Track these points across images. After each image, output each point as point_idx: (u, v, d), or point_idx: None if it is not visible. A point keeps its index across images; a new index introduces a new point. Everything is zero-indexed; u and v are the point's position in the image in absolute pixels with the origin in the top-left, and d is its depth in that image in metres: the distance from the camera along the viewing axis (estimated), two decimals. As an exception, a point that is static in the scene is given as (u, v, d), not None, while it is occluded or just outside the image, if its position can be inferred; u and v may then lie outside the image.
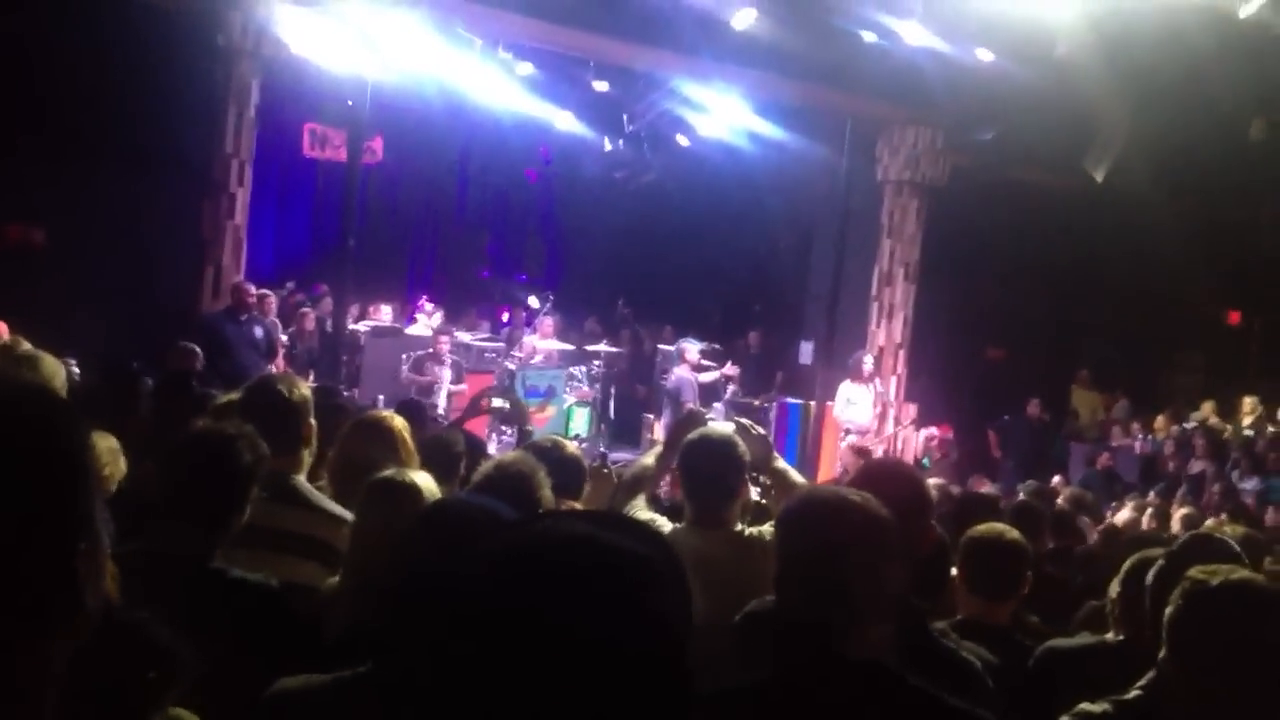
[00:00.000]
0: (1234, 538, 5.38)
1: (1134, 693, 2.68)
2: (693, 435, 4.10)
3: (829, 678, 2.21)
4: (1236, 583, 2.33)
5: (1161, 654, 2.39)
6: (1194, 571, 2.41)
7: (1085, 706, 2.75)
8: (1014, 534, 4.17)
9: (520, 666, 1.20)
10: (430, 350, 13.31)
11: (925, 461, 14.41)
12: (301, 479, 3.66)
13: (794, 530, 2.35)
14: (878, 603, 2.26)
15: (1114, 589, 3.89)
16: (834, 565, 2.26)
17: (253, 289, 11.59)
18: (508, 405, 10.43)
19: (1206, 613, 2.32)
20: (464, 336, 15.02)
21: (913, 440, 14.71)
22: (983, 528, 4.17)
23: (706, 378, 13.99)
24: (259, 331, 11.38)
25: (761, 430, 4.58)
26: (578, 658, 1.20)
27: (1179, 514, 9.31)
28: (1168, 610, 2.38)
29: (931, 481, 7.75)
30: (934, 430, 14.59)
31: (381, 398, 12.81)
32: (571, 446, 4.29)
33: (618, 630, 1.22)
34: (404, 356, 13.40)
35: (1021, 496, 9.17)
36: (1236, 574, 2.38)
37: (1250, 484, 13.35)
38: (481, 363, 14.35)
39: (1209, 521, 8.81)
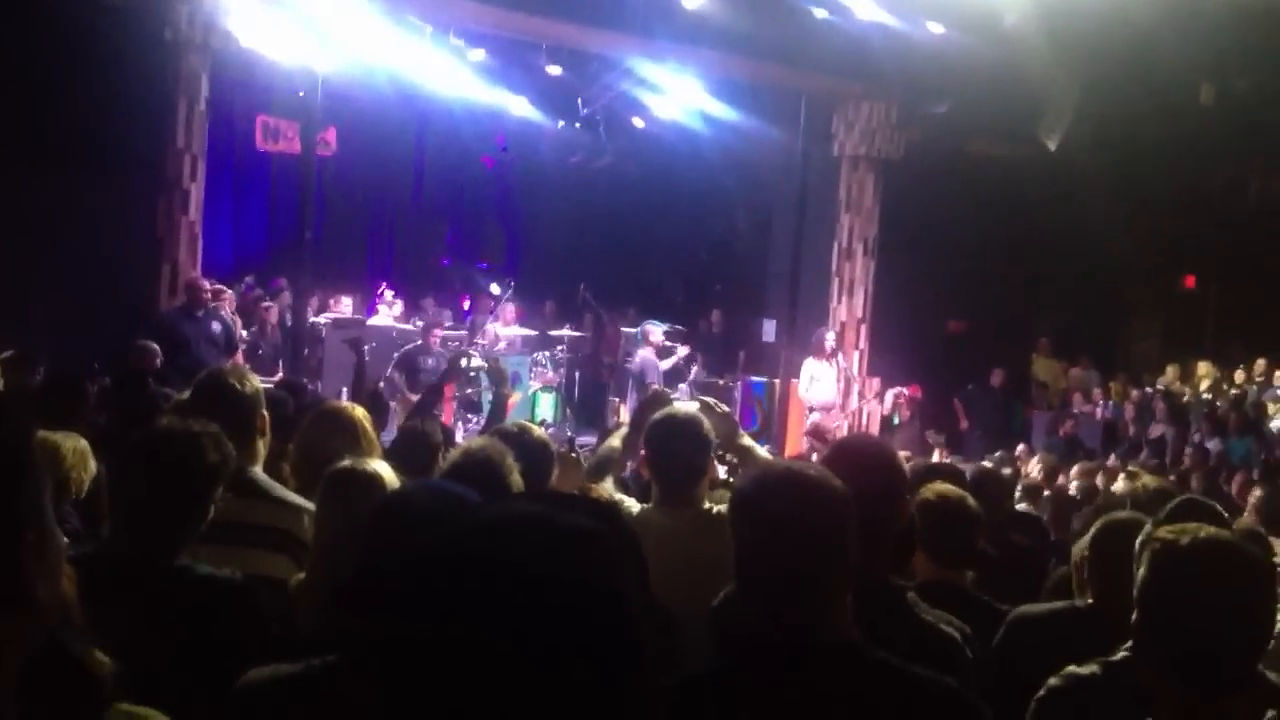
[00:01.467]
0: (1151, 489, 5.47)
1: (1121, 654, 2.68)
2: (657, 415, 4.10)
3: (796, 660, 2.20)
4: (1205, 540, 2.33)
5: (1134, 617, 2.39)
6: (1162, 531, 2.41)
7: (1073, 669, 2.76)
8: (963, 495, 4.20)
9: (479, 649, 1.20)
10: (419, 343, 13.07)
11: (894, 419, 14.52)
12: (258, 470, 3.64)
13: (748, 509, 2.33)
14: (838, 578, 2.25)
15: (1078, 552, 3.92)
16: (791, 543, 2.24)
17: (208, 284, 11.48)
18: (487, 366, 10.42)
19: (1175, 572, 2.31)
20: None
21: (877, 413, 14.79)
22: (933, 490, 4.20)
23: (666, 363, 14.01)
24: (216, 327, 11.29)
25: (726, 408, 4.59)
26: (536, 636, 1.20)
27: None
28: (1138, 572, 2.38)
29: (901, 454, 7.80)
30: (902, 389, 14.66)
31: (345, 389, 12.74)
32: (538, 431, 4.27)
33: (573, 608, 1.22)
34: (394, 356, 13.24)
35: (987, 464, 9.25)
36: (1205, 532, 2.38)
37: (1211, 445, 13.51)
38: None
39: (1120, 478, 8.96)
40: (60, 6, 11.32)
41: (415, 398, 12.02)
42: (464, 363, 11.09)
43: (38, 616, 1.33)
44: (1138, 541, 2.57)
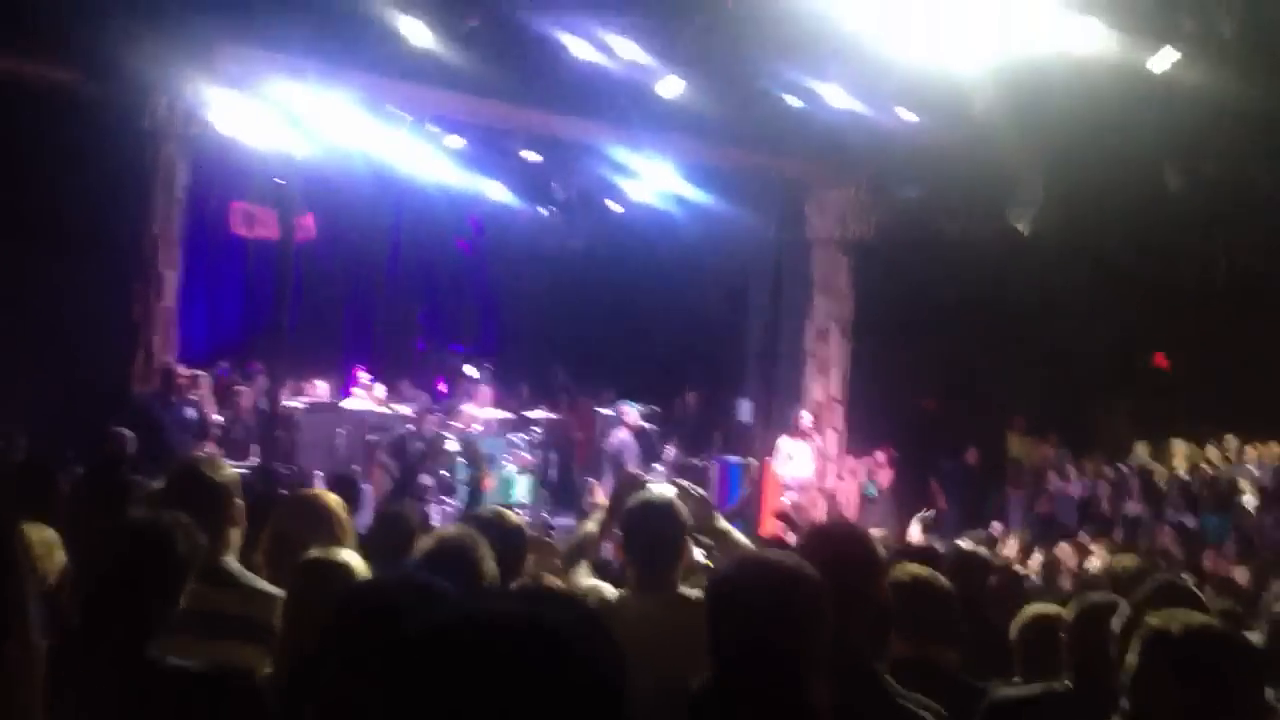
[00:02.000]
0: (1130, 569, 5.49)
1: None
2: (633, 499, 4.10)
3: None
4: (1197, 628, 2.33)
5: (1123, 701, 2.38)
6: (1153, 618, 2.41)
7: None
8: (938, 578, 4.20)
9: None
10: (411, 430, 12.88)
11: (870, 490, 14.52)
12: (231, 559, 3.62)
13: (724, 597, 2.34)
14: (813, 662, 2.25)
15: (1015, 630, 3.92)
16: (766, 630, 2.25)
17: (183, 370, 11.45)
18: (462, 448, 10.34)
19: (1168, 660, 2.31)
20: (400, 408, 14.90)
21: (854, 490, 14.79)
22: (907, 570, 4.20)
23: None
24: (190, 413, 11.24)
25: (702, 491, 4.60)
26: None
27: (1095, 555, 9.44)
28: (1128, 658, 2.38)
29: (874, 534, 7.77)
30: (876, 455, 14.68)
31: (320, 474, 12.67)
32: (513, 517, 4.27)
33: (551, 705, 1.22)
34: (372, 438, 13.11)
35: (962, 544, 9.23)
36: (1195, 619, 2.39)
37: (1186, 522, 13.54)
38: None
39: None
40: (38, 97, 11.39)
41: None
42: (421, 446, 11.11)
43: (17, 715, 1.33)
44: (1117, 624, 2.58)
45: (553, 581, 4.48)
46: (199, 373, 12.48)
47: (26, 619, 1.35)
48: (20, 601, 1.35)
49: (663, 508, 4.00)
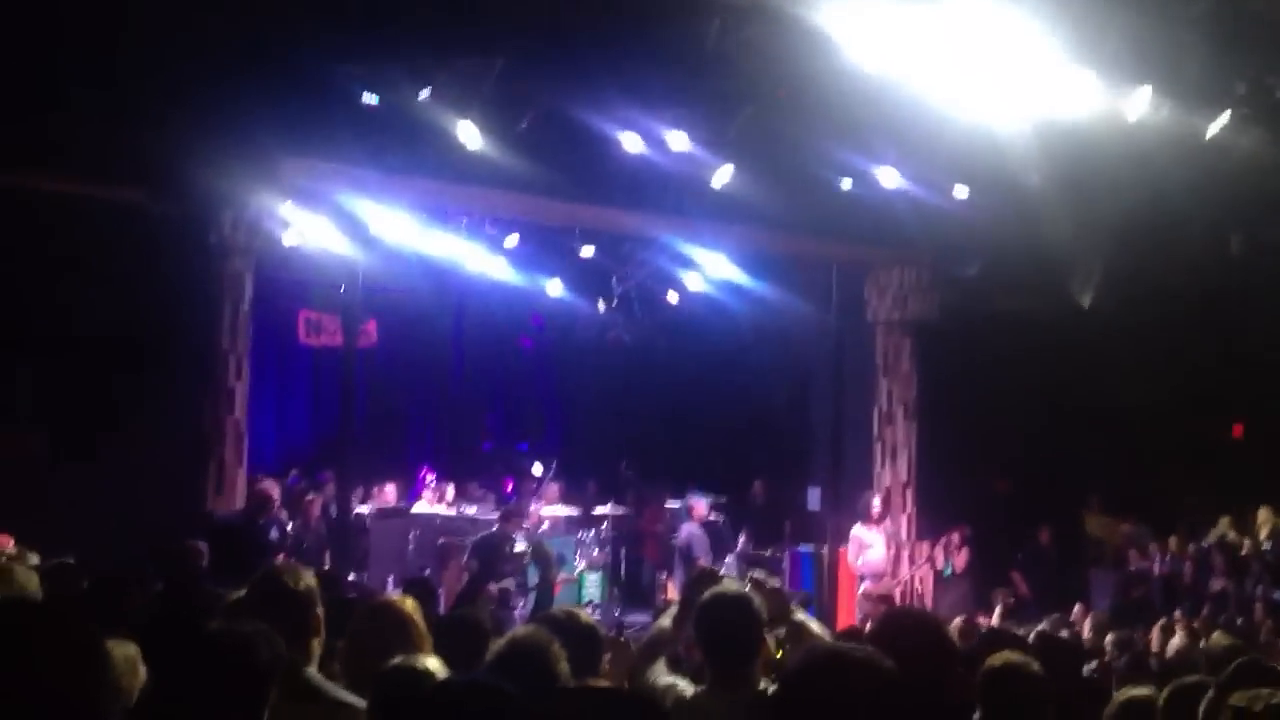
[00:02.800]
0: (1222, 647, 5.32)
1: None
2: (706, 595, 4.05)
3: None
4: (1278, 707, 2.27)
5: None
6: (1236, 699, 2.35)
7: None
8: (1032, 663, 4.09)
9: None
10: (496, 530, 12.57)
11: (946, 571, 14.25)
12: (313, 670, 3.59)
13: (794, 693, 2.30)
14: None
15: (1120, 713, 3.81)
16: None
17: (274, 490, 11.52)
18: (531, 550, 10.22)
19: None
20: (469, 509, 14.93)
21: (929, 575, 14.53)
22: (999, 658, 4.09)
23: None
24: (274, 534, 11.33)
25: (776, 583, 4.54)
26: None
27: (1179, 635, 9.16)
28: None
29: (957, 622, 7.64)
30: (952, 536, 14.42)
31: (391, 579, 12.69)
32: (586, 616, 4.22)
33: None
34: (442, 541, 13.02)
35: (1046, 628, 9.02)
36: (1277, 698, 2.32)
37: (1276, 596, 13.16)
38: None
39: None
40: (107, 217, 11.68)
41: (495, 587, 11.86)
42: (507, 548, 10.94)
43: None
44: (1202, 708, 2.50)
45: (628, 681, 4.42)
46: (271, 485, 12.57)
47: None
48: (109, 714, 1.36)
49: (737, 601, 3.95)
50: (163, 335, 11.87)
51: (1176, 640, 8.89)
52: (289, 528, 12.57)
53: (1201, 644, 8.31)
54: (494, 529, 12.59)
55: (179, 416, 11.86)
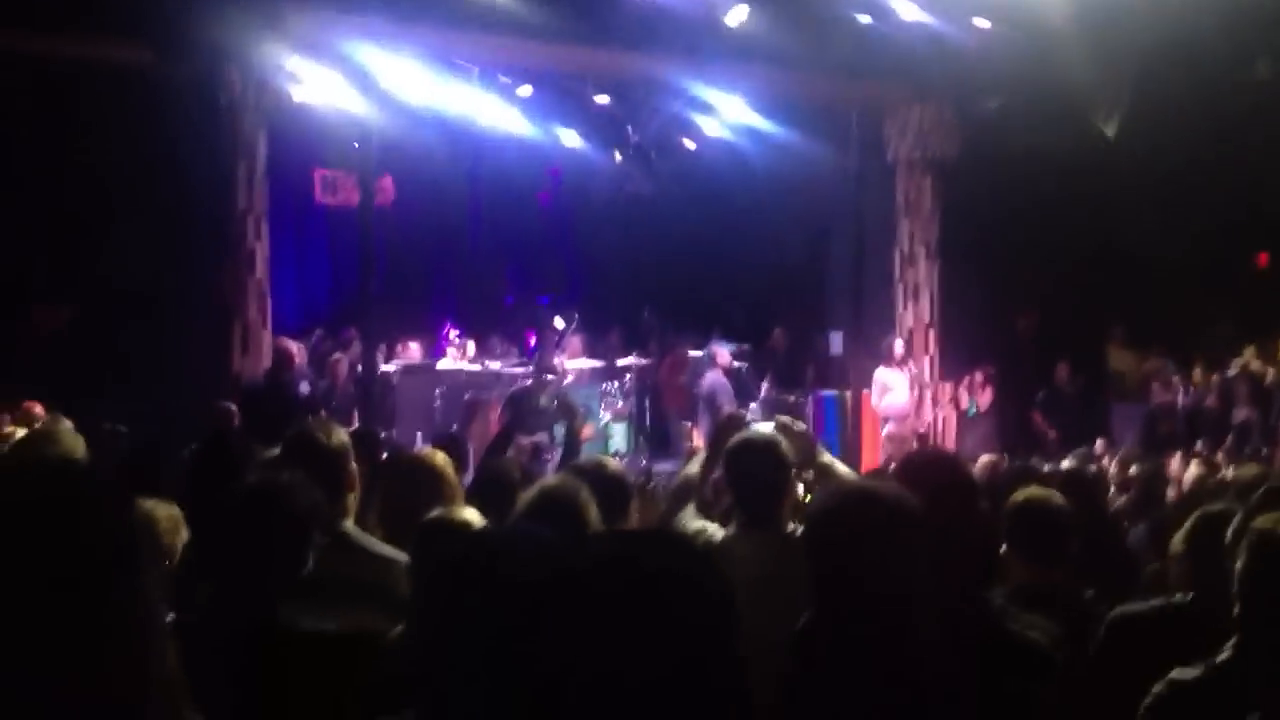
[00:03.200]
0: (1249, 477, 5.36)
1: (1224, 654, 2.63)
2: (735, 439, 4.09)
3: (881, 676, 2.19)
4: None
5: (1235, 610, 2.34)
6: (1260, 522, 2.37)
7: (1177, 674, 2.70)
8: (1056, 497, 4.16)
9: (579, 693, 1.21)
10: (530, 384, 12.47)
11: (971, 410, 14.37)
12: (350, 524, 3.66)
13: (821, 532, 2.33)
14: (918, 593, 2.23)
15: (1175, 547, 3.86)
16: (867, 562, 2.23)
17: (293, 346, 11.60)
18: (556, 402, 10.32)
19: (1273, 562, 2.27)
20: (493, 364, 15.02)
21: (953, 416, 14.63)
22: (1024, 494, 4.16)
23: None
24: (305, 388, 11.44)
25: (803, 426, 4.58)
26: (633, 678, 1.21)
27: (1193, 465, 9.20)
28: (1237, 565, 2.34)
29: (983, 460, 7.71)
30: (976, 376, 14.50)
31: (419, 435, 12.85)
32: (614, 465, 4.27)
33: (665, 643, 1.23)
34: (468, 396, 13.08)
35: (1069, 463, 9.10)
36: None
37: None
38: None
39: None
40: (114, 83, 11.57)
41: (527, 441, 11.98)
42: (540, 402, 10.93)
43: (153, 697, 1.36)
44: (1229, 534, 2.52)
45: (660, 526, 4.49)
46: (298, 344, 12.66)
47: (148, 598, 1.39)
48: (138, 583, 1.39)
49: (765, 445, 4.00)
50: (180, 199, 11.85)
51: (1192, 470, 8.95)
52: (318, 385, 12.69)
53: (1224, 474, 8.37)
54: (528, 382, 12.63)
55: (201, 280, 11.91)
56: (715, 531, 4.11)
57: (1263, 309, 17.26)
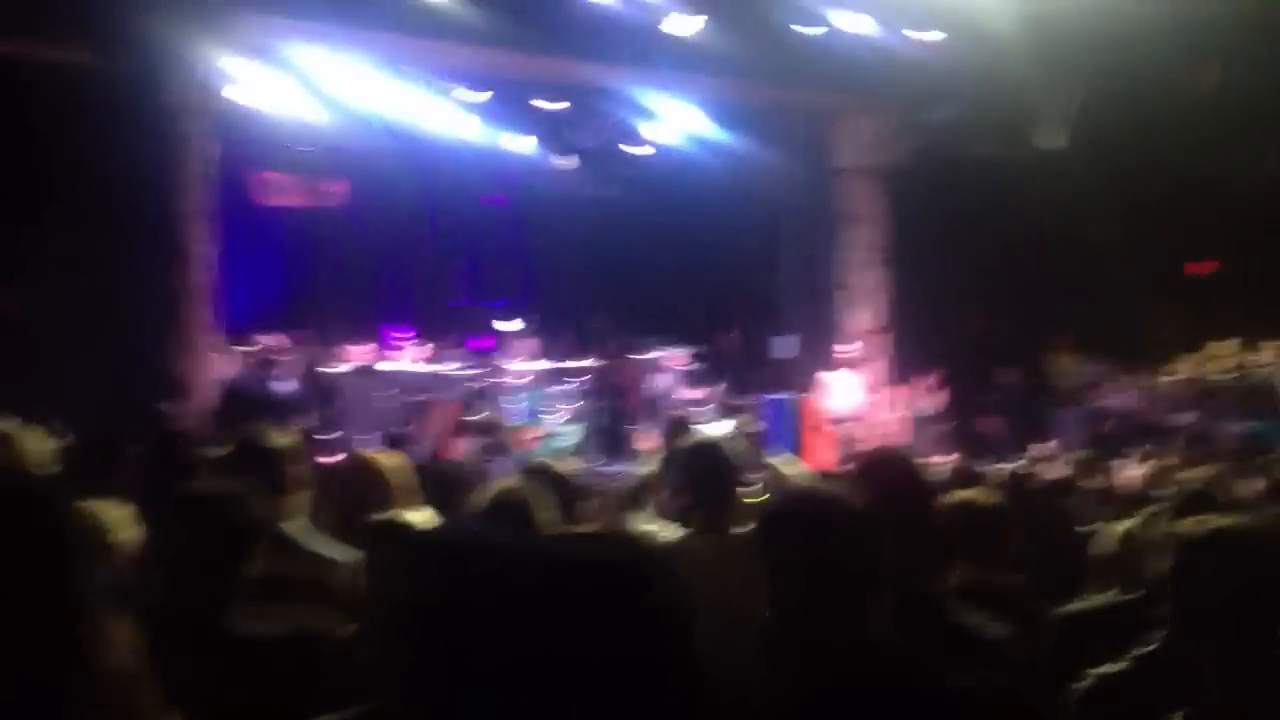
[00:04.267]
0: (1200, 481, 5.48)
1: (1152, 646, 2.68)
2: (684, 443, 4.11)
3: (839, 674, 2.21)
4: (1227, 529, 2.31)
5: (1164, 608, 2.39)
6: (1186, 522, 2.42)
7: (1106, 668, 2.75)
8: (989, 497, 4.20)
9: (528, 691, 1.22)
10: (487, 384, 12.70)
11: (922, 415, 14.51)
12: (294, 525, 3.65)
13: (775, 533, 2.35)
14: (870, 591, 2.25)
15: (1120, 546, 3.92)
16: (819, 562, 2.25)
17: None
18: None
19: (1197, 562, 2.30)
20: (444, 367, 14.95)
21: (903, 422, 14.74)
22: (961, 495, 4.20)
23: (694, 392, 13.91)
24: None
25: (752, 428, 4.60)
26: (583, 677, 1.22)
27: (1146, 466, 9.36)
28: (1165, 563, 2.38)
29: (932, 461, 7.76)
30: (927, 380, 14.64)
31: (368, 437, 12.77)
32: (565, 466, 4.28)
33: (617, 647, 1.24)
34: (419, 398, 13.00)
35: (1018, 465, 9.21)
36: (1226, 521, 2.38)
37: (1236, 429, 13.43)
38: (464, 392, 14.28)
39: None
40: (62, 80, 11.42)
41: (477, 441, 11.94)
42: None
43: (108, 689, 1.35)
44: (1157, 534, 2.58)
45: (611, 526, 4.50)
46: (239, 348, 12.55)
47: (93, 594, 1.38)
48: (83, 579, 1.38)
49: (712, 448, 4.02)
50: (123, 199, 11.72)
51: (1136, 472, 9.09)
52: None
53: (1175, 476, 8.50)
54: (479, 384, 12.63)
55: (145, 283, 11.78)
56: (669, 533, 4.13)
57: (1207, 315, 17.56)
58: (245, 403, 9.90)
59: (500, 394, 13.71)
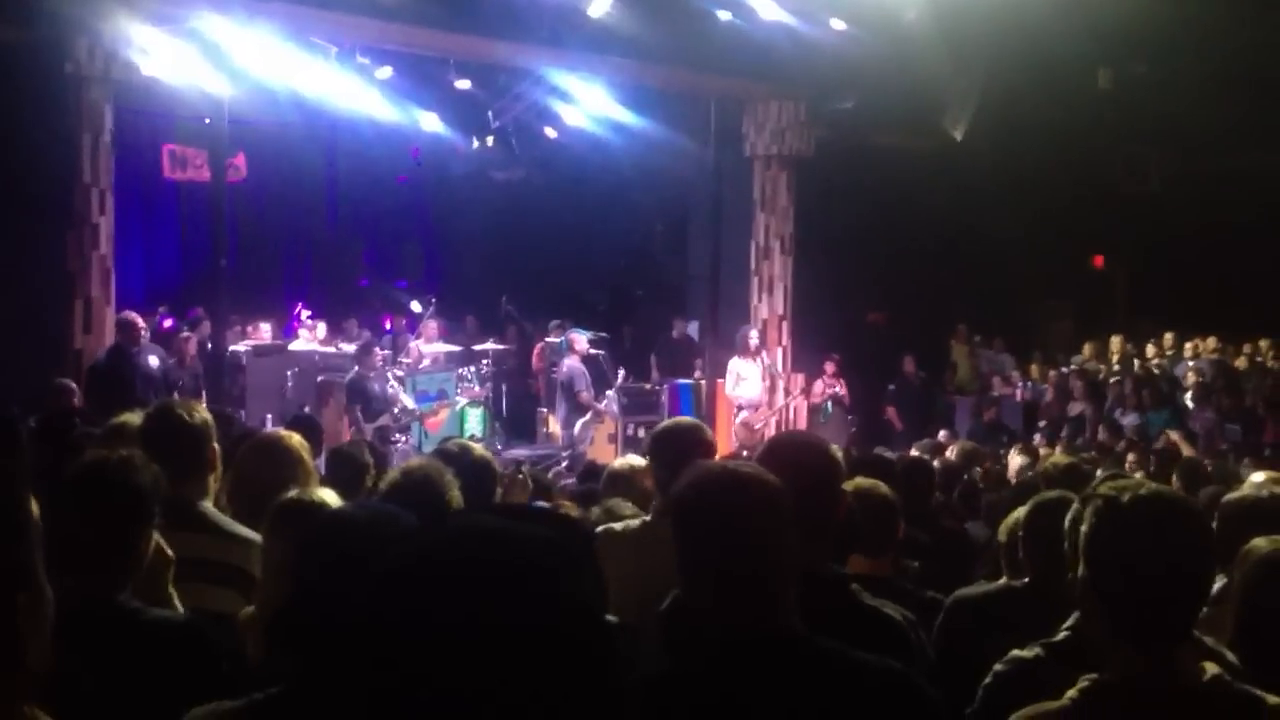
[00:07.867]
0: (1061, 466, 5.68)
1: (1062, 634, 2.74)
2: (661, 427, 4.18)
3: (744, 656, 2.23)
4: (1148, 495, 2.31)
5: (1080, 574, 2.35)
6: (1104, 488, 2.39)
7: (1016, 652, 2.79)
8: (882, 488, 4.27)
9: (445, 664, 1.23)
10: (359, 370, 12.21)
11: (826, 411, 14.71)
12: (208, 504, 3.61)
13: (686, 511, 2.35)
14: (781, 573, 2.28)
15: (1011, 533, 4.02)
16: (730, 542, 2.26)
17: (140, 320, 11.26)
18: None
19: (1120, 525, 2.27)
20: (347, 347, 14.79)
21: (804, 408, 14.92)
22: (852, 485, 4.26)
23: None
24: (154, 362, 11.10)
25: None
26: (501, 647, 1.23)
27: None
28: (1082, 530, 2.34)
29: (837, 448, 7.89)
30: (826, 366, 14.84)
31: (269, 417, 12.61)
32: (480, 450, 4.25)
33: (536, 615, 1.25)
34: (321, 379, 12.79)
35: (913, 453, 9.40)
36: (1146, 488, 2.37)
37: (1129, 420, 13.82)
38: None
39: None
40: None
41: (371, 427, 11.81)
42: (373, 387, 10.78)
43: (29, 673, 1.34)
44: (1069, 515, 2.60)
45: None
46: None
47: (37, 574, 1.38)
48: (29, 558, 1.38)
49: (695, 429, 4.09)
50: (23, 169, 11.41)
51: (1017, 460, 9.30)
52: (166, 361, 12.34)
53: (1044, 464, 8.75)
54: (353, 371, 12.36)
55: (42, 254, 11.49)
56: (630, 516, 4.19)
57: (1099, 309, 18.03)
58: (108, 380, 9.64)
59: (406, 375, 13.58)
